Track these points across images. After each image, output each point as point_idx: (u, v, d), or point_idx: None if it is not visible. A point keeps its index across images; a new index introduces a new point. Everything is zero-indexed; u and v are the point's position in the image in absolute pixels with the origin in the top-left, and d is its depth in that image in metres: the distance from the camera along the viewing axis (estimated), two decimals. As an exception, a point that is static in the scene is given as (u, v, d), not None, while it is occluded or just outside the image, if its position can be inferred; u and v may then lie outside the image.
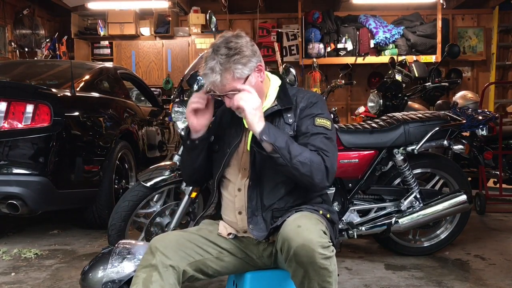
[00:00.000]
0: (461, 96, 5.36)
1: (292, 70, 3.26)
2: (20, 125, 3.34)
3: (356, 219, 3.01)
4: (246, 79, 1.81)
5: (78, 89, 3.87)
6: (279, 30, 8.19)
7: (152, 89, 5.82)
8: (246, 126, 1.92)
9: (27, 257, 3.29)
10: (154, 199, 3.00)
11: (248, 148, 1.89)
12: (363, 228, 2.98)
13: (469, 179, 4.54)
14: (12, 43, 7.41)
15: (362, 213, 3.06)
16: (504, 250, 3.40)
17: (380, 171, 3.08)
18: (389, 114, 3.27)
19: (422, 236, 3.33)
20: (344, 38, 7.84)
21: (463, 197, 3.05)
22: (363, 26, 7.90)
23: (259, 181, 1.87)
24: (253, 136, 1.80)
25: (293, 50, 8.16)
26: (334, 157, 1.85)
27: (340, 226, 2.92)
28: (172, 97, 3.56)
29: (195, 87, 2.90)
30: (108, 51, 8.37)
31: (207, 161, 2.01)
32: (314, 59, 7.73)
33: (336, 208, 2.93)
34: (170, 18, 8.24)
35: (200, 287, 2.71)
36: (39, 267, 3.10)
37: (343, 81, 4.89)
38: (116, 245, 2.16)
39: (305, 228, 1.66)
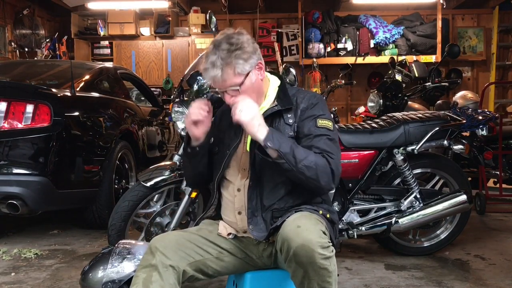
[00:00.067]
0: (461, 96, 5.36)
1: (292, 70, 3.26)
2: (20, 125, 3.34)
3: (356, 219, 3.01)
4: (246, 76, 1.81)
5: (78, 89, 3.87)
6: (279, 30, 8.19)
7: (152, 89, 5.82)
8: None
9: (27, 257, 3.29)
10: (154, 199, 3.00)
11: (248, 149, 1.89)
12: (363, 228, 2.98)
13: (469, 179, 4.54)
14: (12, 43, 7.41)
15: (362, 213, 3.06)
16: (504, 250, 3.40)
17: (380, 171, 3.08)
18: (389, 114, 3.27)
19: (422, 236, 3.33)
20: (344, 38, 7.84)
21: (463, 197, 3.05)
22: (363, 26, 7.90)
23: (259, 182, 1.87)
24: (257, 142, 1.80)
25: (293, 50, 8.16)
26: (339, 158, 1.85)
27: (340, 226, 2.92)
28: (172, 97, 3.56)
29: (195, 87, 2.90)
30: (108, 51, 8.37)
31: (209, 165, 2.02)
32: (314, 59, 7.73)
33: (336, 208, 2.93)
34: (170, 18, 8.24)
35: (200, 287, 2.71)
36: (39, 267, 3.10)
37: (343, 81, 4.89)
38: (116, 245, 2.16)
39: (305, 228, 1.66)
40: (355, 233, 2.95)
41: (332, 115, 3.22)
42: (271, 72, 2.02)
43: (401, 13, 8.30)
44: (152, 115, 5.03)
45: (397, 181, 3.14)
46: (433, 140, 3.06)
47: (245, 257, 1.94)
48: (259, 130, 1.74)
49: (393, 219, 2.98)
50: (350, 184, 3.00)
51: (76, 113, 3.66)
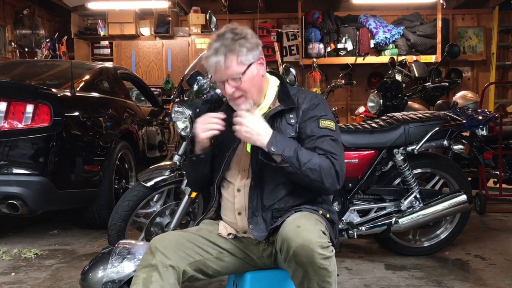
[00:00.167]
0: (461, 96, 5.36)
1: (292, 70, 3.26)
2: (20, 125, 3.34)
3: (356, 219, 3.01)
4: (249, 66, 1.81)
5: (78, 89, 3.87)
6: (279, 30, 8.19)
7: (152, 89, 5.82)
8: None
9: (27, 257, 3.29)
10: (154, 199, 2.99)
11: (248, 150, 1.89)
12: (363, 228, 2.98)
13: (469, 179, 4.54)
14: (12, 43, 7.41)
15: (362, 213, 3.06)
16: (504, 250, 3.40)
17: (380, 171, 3.08)
18: (389, 114, 3.27)
19: (422, 236, 3.33)
20: (344, 38, 7.84)
21: (463, 197, 3.05)
22: (363, 26, 7.90)
23: (259, 182, 1.87)
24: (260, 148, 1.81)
25: (293, 50, 8.16)
26: (343, 158, 1.86)
27: (340, 226, 2.92)
28: (172, 97, 3.56)
29: (195, 87, 2.90)
30: (108, 51, 8.37)
31: (212, 169, 2.02)
32: (314, 59, 7.73)
33: (336, 208, 2.93)
34: (170, 18, 8.24)
35: (200, 287, 2.71)
36: (39, 267, 3.10)
37: (343, 81, 4.89)
38: (116, 245, 2.16)
39: (305, 228, 1.66)
40: (355, 233, 2.95)
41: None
42: (270, 72, 2.02)
43: (401, 13, 8.30)
44: (152, 115, 5.03)
45: (397, 181, 3.14)
46: (433, 140, 3.06)
47: (245, 257, 1.94)
48: (259, 138, 1.75)
49: (393, 219, 2.98)
50: (350, 184, 3.00)
51: (76, 113, 3.66)
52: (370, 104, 4.59)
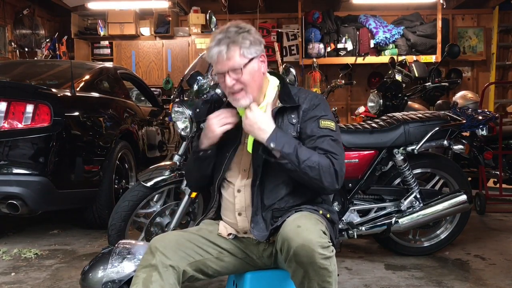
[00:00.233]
0: (461, 96, 5.36)
1: (292, 70, 3.26)
2: (20, 125, 3.34)
3: (356, 219, 3.01)
4: (251, 60, 1.82)
5: (78, 89, 3.87)
6: (279, 30, 8.19)
7: (152, 89, 5.82)
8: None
9: (27, 257, 3.29)
10: (154, 199, 2.99)
11: (249, 150, 1.89)
12: (363, 228, 2.98)
13: (469, 179, 4.54)
14: (12, 43, 7.41)
15: (362, 213, 3.06)
16: (504, 250, 3.40)
17: (380, 171, 3.08)
18: (389, 114, 3.27)
19: (422, 236, 3.33)
20: (344, 38, 7.84)
21: (463, 197, 3.05)
22: (363, 26, 7.90)
23: (260, 181, 1.87)
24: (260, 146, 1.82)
25: (293, 50, 8.16)
26: (343, 159, 1.86)
27: (340, 226, 2.92)
28: (172, 97, 3.56)
29: (195, 87, 2.90)
30: (108, 51, 8.37)
31: (212, 169, 2.02)
32: (314, 59, 7.73)
33: (336, 208, 2.93)
34: (170, 18, 8.24)
35: (200, 287, 2.71)
36: (39, 267, 3.10)
37: (343, 81, 4.89)
38: (116, 245, 2.16)
39: (305, 228, 1.66)
40: (355, 233, 2.94)
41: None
42: (270, 73, 2.02)
43: (401, 13, 8.30)
44: (152, 115, 5.03)
45: (397, 181, 3.14)
46: (433, 140, 3.06)
47: (245, 257, 1.94)
48: (259, 132, 1.78)
49: (393, 219, 2.98)
50: (350, 184, 3.00)
51: (76, 113, 3.66)
52: (370, 104, 4.59)
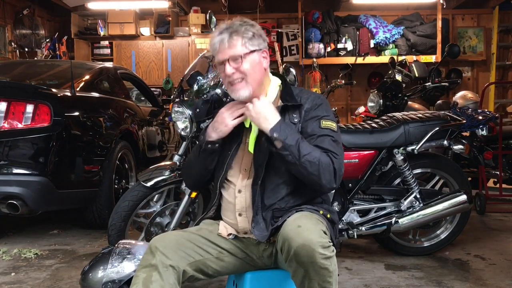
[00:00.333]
0: (461, 96, 5.36)
1: (292, 70, 3.26)
2: (20, 125, 3.34)
3: (356, 219, 3.01)
4: (252, 52, 1.83)
5: (78, 89, 3.87)
6: (279, 30, 8.20)
7: (152, 89, 5.82)
8: (246, 126, 1.93)
9: (27, 257, 3.29)
10: (154, 199, 2.99)
11: (250, 149, 1.89)
12: (363, 228, 2.98)
13: (469, 179, 4.54)
14: (12, 43, 7.41)
15: (362, 213, 3.06)
16: (504, 250, 3.40)
17: (380, 171, 3.08)
18: (389, 114, 3.27)
19: (422, 236, 3.33)
20: (344, 38, 7.84)
21: (463, 197, 3.05)
22: (363, 26, 7.90)
23: (261, 181, 1.86)
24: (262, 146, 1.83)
25: (293, 50, 8.16)
26: (342, 159, 1.86)
27: (340, 226, 2.92)
28: (172, 97, 3.56)
29: (195, 87, 2.90)
30: (108, 51, 8.37)
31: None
32: (314, 59, 7.73)
33: (336, 208, 2.93)
34: (170, 18, 8.24)
35: (200, 287, 2.71)
36: (39, 267, 3.10)
37: (343, 81, 4.90)
38: (116, 245, 2.16)
39: (306, 228, 1.66)
40: (355, 233, 2.94)
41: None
42: (272, 73, 2.03)
43: (401, 13, 8.30)
44: (152, 115, 5.03)
45: (397, 181, 3.14)
46: (433, 140, 3.06)
47: (245, 257, 1.94)
48: (264, 121, 1.79)
49: (393, 219, 2.98)
50: (350, 184, 3.00)
51: (76, 113, 3.66)
52: (370, 104, 4.59)
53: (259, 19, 8.21)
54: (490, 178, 4.98)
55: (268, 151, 1.83)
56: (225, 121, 1.89)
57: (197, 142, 2.13)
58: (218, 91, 2.67)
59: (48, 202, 3.48)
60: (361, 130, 3.04)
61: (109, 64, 5.10)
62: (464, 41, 8.27)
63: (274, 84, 1.97)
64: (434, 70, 4.86)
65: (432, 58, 7.66)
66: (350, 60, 7.52)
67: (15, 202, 3.34)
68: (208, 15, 3.32)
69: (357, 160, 2.98)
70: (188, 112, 2.82)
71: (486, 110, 4.26)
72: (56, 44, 7.86)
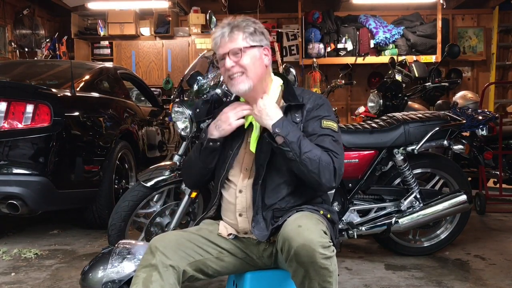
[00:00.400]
0: (461, 96, 5.36)
1: (292, 70, 3.26)
2: (20, 125, 3.34)
3: (356, 219, 3.01)
4: (253, 47, 1.84)
5: (78, 89, 3.87)
6: (279, 30, 8.19)
7: (152, 89, 5.82)
8: (245, 127, 1.93)
9: (27, 257, 3.29)
10: (154, 199, 2.99)
11: (251, 149, 1.90)
12: (363, 228, 2.98)
13: (469, 179, 4.54)
14: (12, 43, 7.41)
15: (362, 213, 3.06)
16: (504, 250, 3.40)
17: (380, 171, 3.08)
18: (389, 114, 3.27)
19: (422, 236, 3.33)
20: (344, 38, 7.84)
21: (463, 197, 3.05)
22: (363, 26, 7.90)
23: (262, 181, 1.86)
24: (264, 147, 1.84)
25: (293, 50, 8.16)
26: (342, 159, 1.87)
27: (340, 226, 2.92)
28: (172, 97, 3.56)
29: (195, 87, 2.90)
30: (108, 51, 8.37)
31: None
32: (314, 59, 7.73)
33: (336, 208, 2.93)
34: (170, 18, 8.24)
35: (200, 287, 2.71)
36: (39, 267, 3.10)
37: (343, 81, 4.90)
38: (116, 245, 2.16)
39: (306, 228, 1.66)
40: (355, 233, 2.94)
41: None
42: (274, 73, 2.03)
43: (401, 13, 8.30)
44: (152, 115, 5.03)
45: (397, 181, 3.14)
46: (433, 140, 3.06)
47: (245, 257, 1.94)
48: (266, 118, 1.80)
49: (393, 219, 2.98)
50: (350, 184, 3.00)
51: (76, 113, 3.66)
52: (370, 104, 4.59)
53: (259, 19, 8.13)
54: (490, 178, 4.98)
55: (270, 151, 1.83)
56: (228, 120, 1.90)
57: (198, 141, 2.13)
58: (218, 91, 2.68)
59: (48, 202, 3.48)
60: (361, 130, 3.04)
61: (109, 64, 5.10)
62: (464, 41, 8.27)
63: (276, 84, 1.97)
64: (434, 70, 4.86)
65: (432, 58, 7.66)
66: (350, 60, 7.52)
67: (15, 202, 3.34)
68: (208, 15, 3.31)
69: (357, 160, 2.98)
70: (188, 112, 2.82)
71: (486, 110, 4.26)
72: (56, 44, 7.86)
